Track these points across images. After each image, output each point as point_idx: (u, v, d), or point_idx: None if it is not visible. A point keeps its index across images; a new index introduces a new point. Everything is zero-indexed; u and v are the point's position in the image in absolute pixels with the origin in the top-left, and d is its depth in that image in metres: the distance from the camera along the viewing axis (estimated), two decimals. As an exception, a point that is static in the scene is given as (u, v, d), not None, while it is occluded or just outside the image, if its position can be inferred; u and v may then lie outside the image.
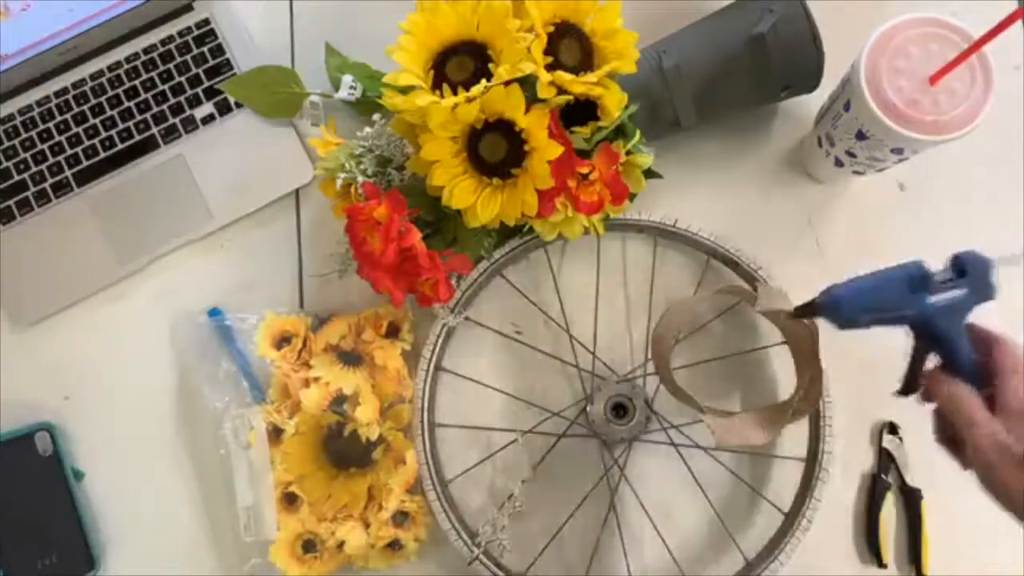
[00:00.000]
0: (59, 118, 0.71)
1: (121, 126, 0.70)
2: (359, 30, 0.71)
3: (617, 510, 0.64)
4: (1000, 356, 0.48)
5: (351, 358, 0.64)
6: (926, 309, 0.48)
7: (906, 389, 0.52)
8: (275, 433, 0.64)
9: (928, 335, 0.49)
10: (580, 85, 0.55)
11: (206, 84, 0.71)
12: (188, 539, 0.66)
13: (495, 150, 0.56)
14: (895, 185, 0.70)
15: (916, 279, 0.48)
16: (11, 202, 0.69)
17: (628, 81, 0.58)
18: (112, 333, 0.69)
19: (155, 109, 0.71)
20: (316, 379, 0.62)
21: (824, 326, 0.61)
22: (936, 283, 0.48)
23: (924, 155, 0.58)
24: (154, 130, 0.70)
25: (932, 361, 0.50)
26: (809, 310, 0.52)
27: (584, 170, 0.58)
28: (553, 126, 0.55)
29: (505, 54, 0.54)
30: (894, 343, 0.71)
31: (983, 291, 0.49)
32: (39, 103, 0.71)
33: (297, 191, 0.71)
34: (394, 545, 0.63)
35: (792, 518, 0.62)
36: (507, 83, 0.54)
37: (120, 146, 0.70)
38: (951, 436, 0.50)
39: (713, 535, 0.65)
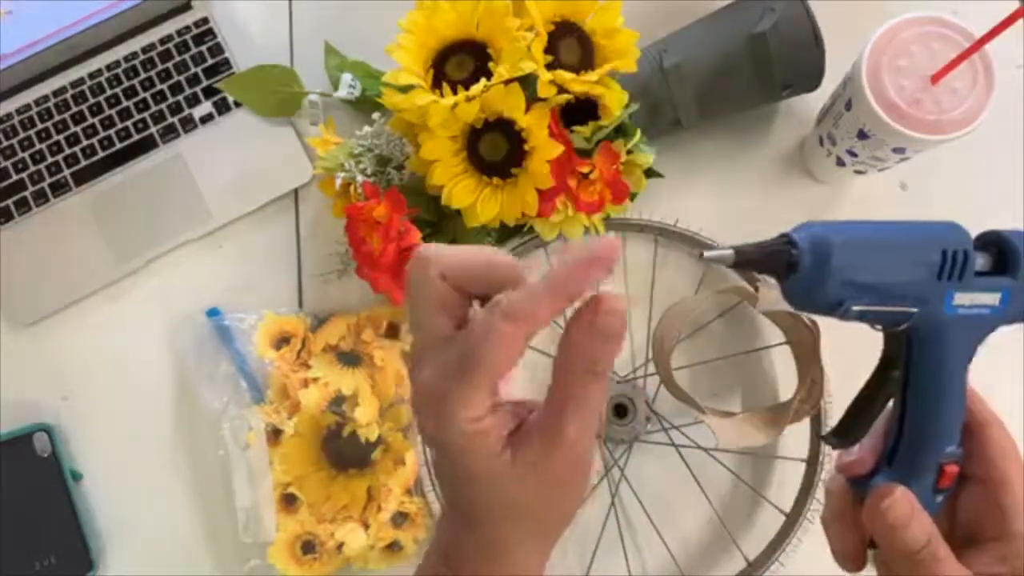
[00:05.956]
0: (57, 117, 0.70)
1: (120, 125, 0.70)
2: (359, 29, 0.70)
3: (617, 510, 0.64)
4: (1000, 444, 0.34)
5: (350, 358, 0.64)
6: (946, 313, 0.30)
7: (845, 433, 0.35)
8: (274, 434, 0.63)
9: (925, 357, 0.31)
10: (580, 84, 0.55)
11: (205, 83, 0.71)
12: (186, 540, 0.66)
13: (495, 149, 0.56)
14: (897, 185, 0.69)
15: (952, 257, 0.30)
16: (9, 202, 0.69)
17: (629, 80, 0.58)
18: (111, 333, 0.69)
19: (153, 108, 0.70)
20: (315, 379, 0.62)
21: (824, 326, 0.61)
22: (972, 275, 0.31)
23: (926, 154, 0.58)
24: (153, 129, 0.70)
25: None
26: (770, 258, 0.31)
27: (584, 169, 0.57)
28: (553, 125, 0.55)
29: (505, 53, 0.53)
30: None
31: None
32: (37, 102, 0.70)
33: (296, 190, 0.70)
34: (393, 546, 0.62)
35: (793, 519, 0.62)
36: (507, 82, 0.53)
37: (119, 145, 0.70)
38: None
39: (713, 535, 0.65)
